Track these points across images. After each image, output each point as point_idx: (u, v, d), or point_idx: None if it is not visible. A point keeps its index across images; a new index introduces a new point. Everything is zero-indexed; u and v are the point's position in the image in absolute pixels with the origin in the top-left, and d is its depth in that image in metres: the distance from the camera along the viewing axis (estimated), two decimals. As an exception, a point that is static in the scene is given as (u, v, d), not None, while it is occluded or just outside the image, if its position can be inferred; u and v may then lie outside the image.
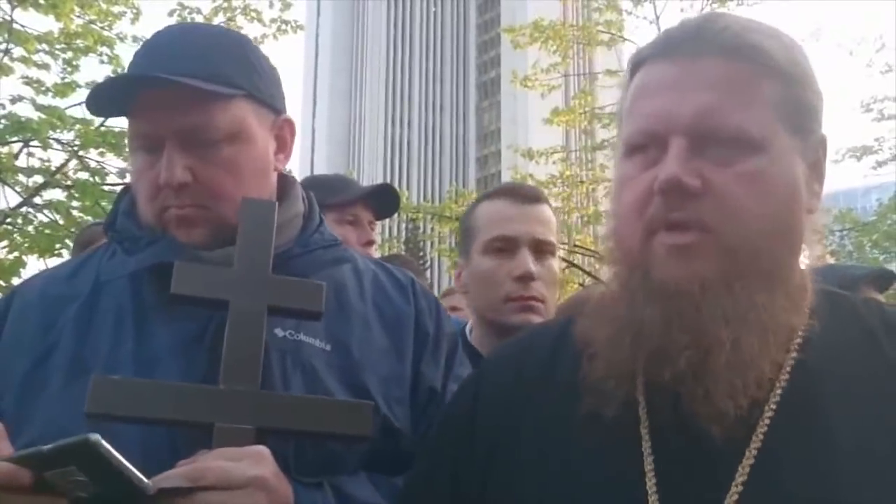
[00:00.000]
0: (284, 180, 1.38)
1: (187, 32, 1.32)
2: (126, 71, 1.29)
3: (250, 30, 8.95)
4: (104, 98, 1.26)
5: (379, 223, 2.78)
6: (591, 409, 0.92)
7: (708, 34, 0.94)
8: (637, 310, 0.91)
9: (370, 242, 2.61)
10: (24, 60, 7.45)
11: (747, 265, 0.89)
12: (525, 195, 2.00)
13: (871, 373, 0.90)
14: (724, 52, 0.92)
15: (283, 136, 1.34)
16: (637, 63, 1.01)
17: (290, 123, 1.36)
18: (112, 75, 1.26)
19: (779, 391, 0.89)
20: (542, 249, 1.92)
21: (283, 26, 9.02)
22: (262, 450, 1.02)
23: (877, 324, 0.96)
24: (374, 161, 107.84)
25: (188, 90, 1.17)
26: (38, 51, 7.50)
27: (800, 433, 0.86)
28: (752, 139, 0.90)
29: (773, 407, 0.88)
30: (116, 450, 0.86)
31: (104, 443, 0.84)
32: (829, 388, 0.89)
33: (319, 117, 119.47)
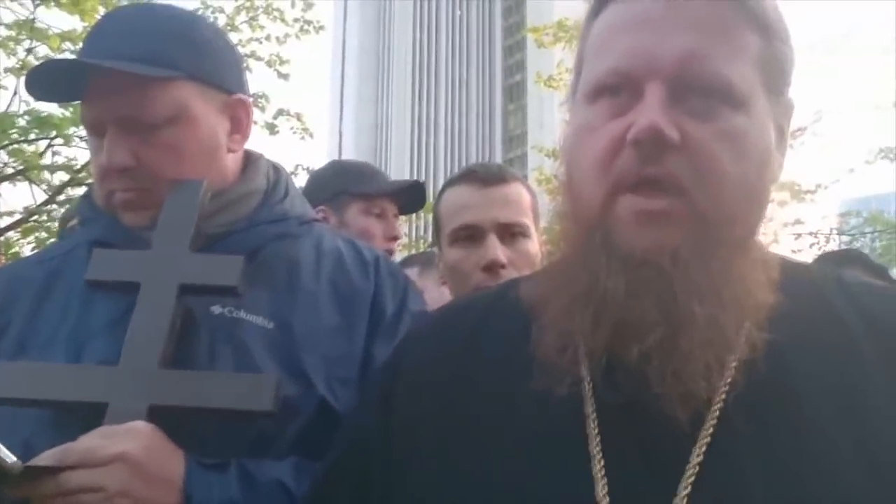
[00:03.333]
0: (248, 158, 1.36)
1: (132, 16, 1.28)
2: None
3: (273, 29, 9.01)
4: (41, 86, 1.24)
5: (406, 222, 2.74)
6: (536, 385, 0.82)
7: None
8: (598, 278, 0.81)
9: (395, 238, 2.56)
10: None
11: (720, 233, 0.81)
12: (485, 177, 1.84)
13: (835, 356, 0.82)
14: None
15: (238, 117, 1.31)
16: None
17: (243, 103, 1.31)
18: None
19: (731, 369, 0.80)
20: (510, 233, 1.78)
21: (306, 26, 9.09)
22: (137, 426, 1.01)
23: (836, 297, 0.88)
24: (400, 165, 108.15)
25: (124, 74, 1.15)
26: (63, 50, 7.57)
27: (758, 415, 0.78)
28: (735, 94, 0.82)
29: (726, 387, 0.79)
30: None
31: None
32: (789, 369, 0.80)
33: (346, 122, 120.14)
